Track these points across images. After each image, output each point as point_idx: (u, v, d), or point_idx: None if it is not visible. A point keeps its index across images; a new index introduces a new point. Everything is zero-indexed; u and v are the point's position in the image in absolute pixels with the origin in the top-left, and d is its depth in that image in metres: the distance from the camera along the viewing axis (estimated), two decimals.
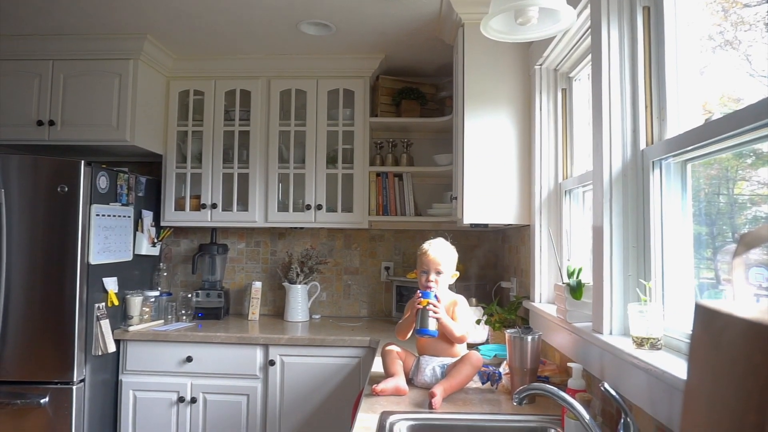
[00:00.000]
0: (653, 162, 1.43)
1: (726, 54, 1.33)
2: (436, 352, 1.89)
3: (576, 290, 1.70)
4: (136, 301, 2.85)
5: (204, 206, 3.14)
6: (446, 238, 2.01)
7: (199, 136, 3.19)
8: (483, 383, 1.83)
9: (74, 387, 2.47)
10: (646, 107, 1.47)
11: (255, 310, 3.21)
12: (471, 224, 2.43)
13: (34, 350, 2.48)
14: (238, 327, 2.94)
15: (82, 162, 2.54)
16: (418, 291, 1.86)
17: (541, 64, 2.28)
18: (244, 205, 3.15)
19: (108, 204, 2.71)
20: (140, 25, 2.74)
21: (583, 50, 1.99)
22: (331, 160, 3.17)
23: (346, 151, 3.16)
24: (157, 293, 3.02)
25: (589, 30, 1.71)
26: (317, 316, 3.32)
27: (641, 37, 1.49)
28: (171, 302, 3.07)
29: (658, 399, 1.18)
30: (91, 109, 2.87)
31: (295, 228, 3.35)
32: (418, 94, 3.23)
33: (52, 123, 2.86)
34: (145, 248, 3.02)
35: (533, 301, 2.26)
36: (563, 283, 1.75)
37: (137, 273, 3.01)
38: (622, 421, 1.13)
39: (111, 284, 2.73)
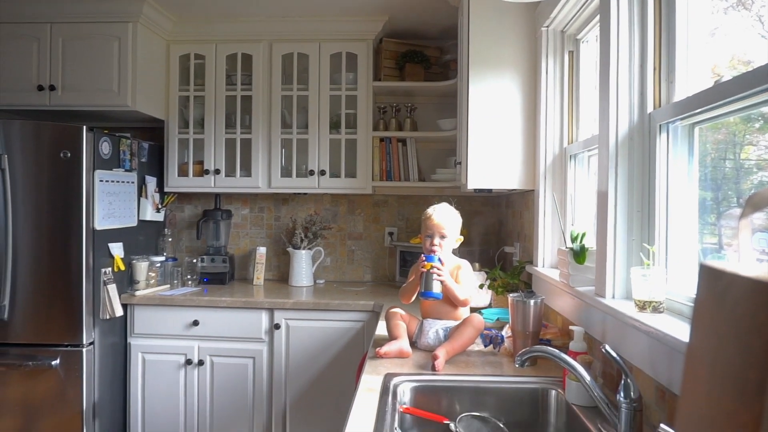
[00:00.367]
0: (660, 125, 1.42)
1: (738, 14, 1.30)
2: (440, 315, 1.92)
3: (579, 255, 1.71)
4: (142, 266, 2.88)
5: (207, 172, 3.13)
6: (450, 203, 2.01)
7: (201, 101, 3.16)
8: (485, 346, 1.85)
9: (84, 349, 2.53)
10: (654, 69, 1.44)
11: (260, 275, 3.23)
12: (475, 189, 2.42)
13: (43, 314, 2.52)
14: (243, 292, 2.98)
15: (84, 127, 2.52)
16: (422, 255, 1.88)
17: (547, 26, 2.23)
18: (247, 170, 3.14)
19: (111, 170, 2.71)
20: None
21: (592, 11, 1.94)
22: (335, 125, 3.14)
23: (350, 115, 3.13)
24: (162, 258, 3.05)
25: None
26: (321, 281, 3.35)
27: None
28: (176, 267, 3.10)
29: (658, 361, 1.19)
30: (91, 74, 2.84)
31: (299, 194, 3.35)
32: (422, 57, 3.17)
33: (52, 88, 2.83)
34: (150, 214, 3.04)
35: (536, 266, 2.28)
36: (567, 248, 1.75)
37: (142, 239, 3.03)
38: (623, 382, 1.15)
39: (117, 249, 2.75)
